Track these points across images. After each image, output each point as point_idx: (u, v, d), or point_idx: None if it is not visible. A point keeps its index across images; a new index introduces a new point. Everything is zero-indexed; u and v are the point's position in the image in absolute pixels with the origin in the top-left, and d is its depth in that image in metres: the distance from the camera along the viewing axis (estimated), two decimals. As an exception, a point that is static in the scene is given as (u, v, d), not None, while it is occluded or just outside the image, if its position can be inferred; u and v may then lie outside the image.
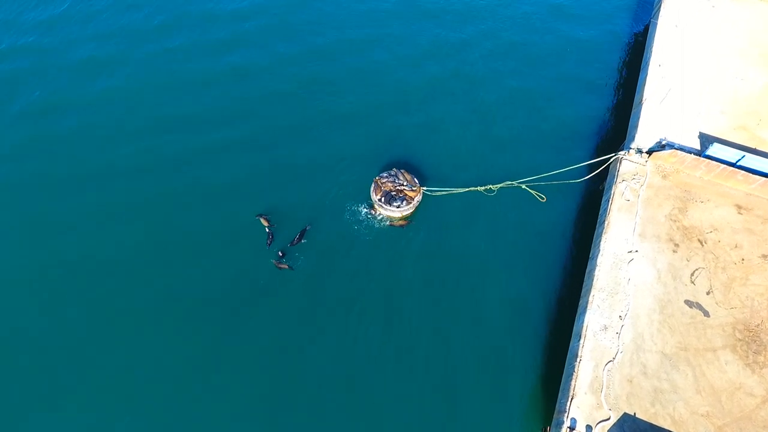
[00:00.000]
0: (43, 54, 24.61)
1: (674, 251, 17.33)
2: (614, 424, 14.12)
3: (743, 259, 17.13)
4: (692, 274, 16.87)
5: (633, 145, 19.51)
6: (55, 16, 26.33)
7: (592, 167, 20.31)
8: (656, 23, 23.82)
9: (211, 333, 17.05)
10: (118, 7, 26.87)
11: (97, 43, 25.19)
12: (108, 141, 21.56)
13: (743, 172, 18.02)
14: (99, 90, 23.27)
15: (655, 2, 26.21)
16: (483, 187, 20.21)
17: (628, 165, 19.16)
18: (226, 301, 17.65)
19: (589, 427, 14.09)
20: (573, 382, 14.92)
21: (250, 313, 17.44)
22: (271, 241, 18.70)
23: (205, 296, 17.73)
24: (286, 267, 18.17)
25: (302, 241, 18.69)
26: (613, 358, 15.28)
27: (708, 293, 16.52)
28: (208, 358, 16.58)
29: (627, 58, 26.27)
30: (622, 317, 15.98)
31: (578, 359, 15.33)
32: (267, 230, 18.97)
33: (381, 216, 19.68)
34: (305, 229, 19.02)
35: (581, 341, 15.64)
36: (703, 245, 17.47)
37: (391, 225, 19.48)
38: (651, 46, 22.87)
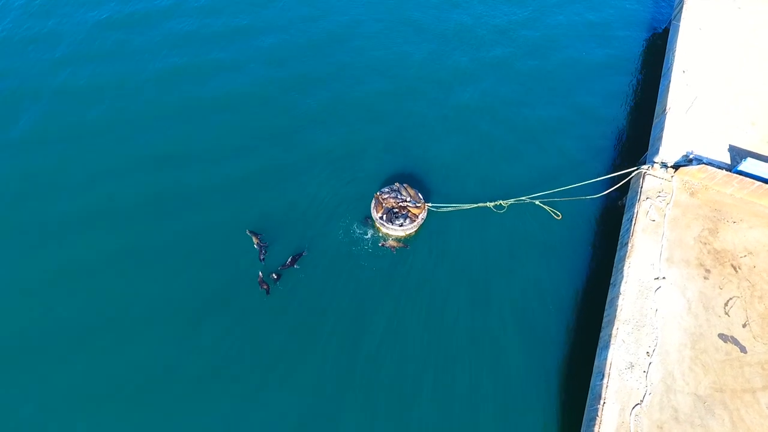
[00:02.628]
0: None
1: (705, 278, 15.71)
2: (644, 480, 12.55)
3: (782, 288, 15.54)
4: (726, 304, 15.26)
5: (657, 159, 17.90)
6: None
7: (611, 182, 18.70)
8: (678, 26, 22.19)
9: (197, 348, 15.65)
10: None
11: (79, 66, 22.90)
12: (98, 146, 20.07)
13: (780, 190, 16.43)
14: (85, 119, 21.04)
15: (675, 3, 24.58)
16: (493, 203, 18.59)
17: (652, 181, 17.54)
18: (211, 318, 16.16)
19: (616, 483, 12.51)
20: (596, 429, 13.32)
21: (234, 334, 15.93)
22: (263, 256, 17.20)
23: (190, 312, 16.27)
24: (266, 288, 16.60)
25: (294, 266, 17.07)
26: (641, 401, 13.67)
27: (744, 326, 14.91)
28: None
29: (645, 64, 24.65)
30: (650, 353, 14.37)
31: (602, 401, 13.72)
32: (257, 247, 17.41)
33: (381, 235, 18.09)
34: (301, 254, 17.38)
35: (605, 380, 14.03)
36: (736, 271, 15.85)
37: (383, 245, 17.83)
38: (673, 51, 21.25)
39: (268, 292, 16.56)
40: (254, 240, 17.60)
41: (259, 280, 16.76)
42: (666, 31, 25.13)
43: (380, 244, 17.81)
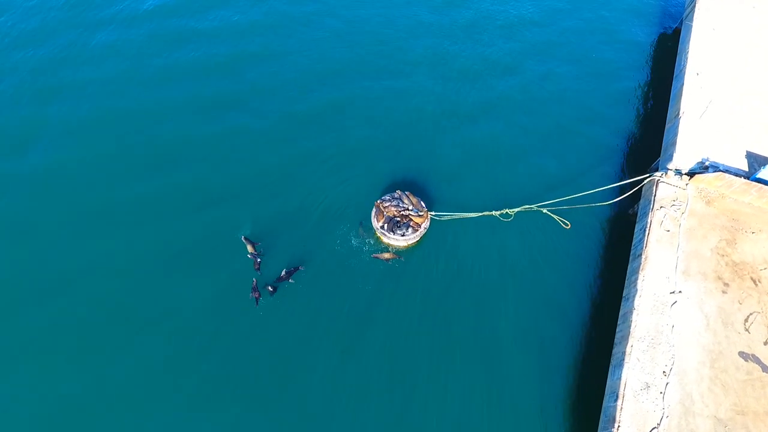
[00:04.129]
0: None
1: (724, 292, 14.90)
2: None
3: (805, 302, 14.72)
4: (746, 320, 14.45)
5: (671, 166, 17.09)
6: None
7: (621, 189, 17.91)
8: (690, 26, 21.39)
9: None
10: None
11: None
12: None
13: (801, 198, 15.64)
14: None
15: (687, 3, 23.77)
16: (499, 212, 17.79)
17: (666, 189, 16.73)
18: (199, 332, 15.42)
19: None
20: (611, 455, 12.54)
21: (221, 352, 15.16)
22: (259, 265, 16.46)
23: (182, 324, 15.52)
24: (257, 296, 15.86)
25: (289, 280, 16.28)
26: (658, 424, 12.87)
27: (765, 343, 14.10)
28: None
29: (655, 66, 23.86)
30: (667, 373, 13.56)
31: (616, 425, 12.92)
32: (250, 256, 16.64)
33: (382, 245, 17.32)
34: (297, 268, 16.56)
35: (619, 402, 13.23)
36: (756, 285, 15.05)
37: (376, 257, 16.98)
38: (686, 52, 20.45)
39: (257, 302, 15.80)
40: (249, 248, 16.86)
41: (252, 286, 16.00)
42: (677, 31, 24.34)
43: (373, 256, 16.98)
